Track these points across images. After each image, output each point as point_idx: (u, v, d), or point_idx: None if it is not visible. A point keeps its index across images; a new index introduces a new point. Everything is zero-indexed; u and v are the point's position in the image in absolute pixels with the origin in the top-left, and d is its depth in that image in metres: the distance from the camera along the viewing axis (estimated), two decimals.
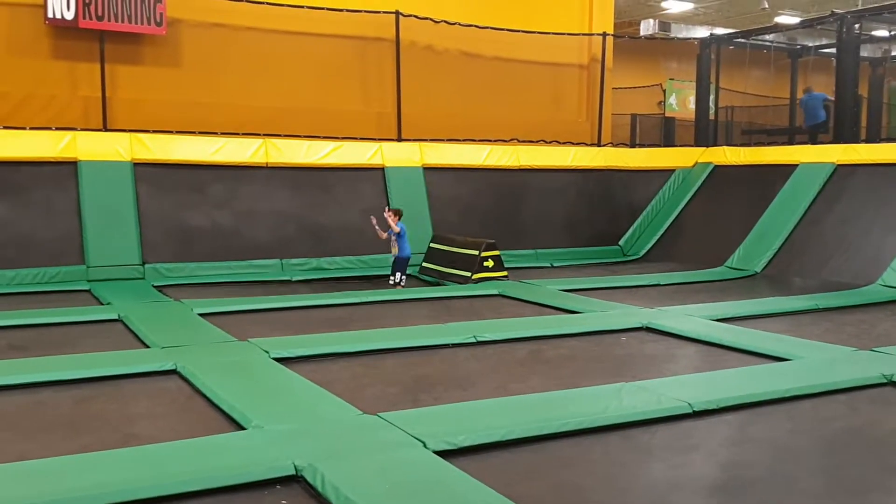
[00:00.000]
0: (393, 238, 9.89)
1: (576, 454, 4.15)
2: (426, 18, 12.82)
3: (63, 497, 3.35)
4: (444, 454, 3.91)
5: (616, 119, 16.48)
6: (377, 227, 9.96)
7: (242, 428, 4.37)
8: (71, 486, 3.44)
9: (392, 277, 9.86)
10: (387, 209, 10.12)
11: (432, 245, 11.05)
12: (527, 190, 12.98)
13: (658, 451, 4.23)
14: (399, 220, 9.92)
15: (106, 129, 10.65)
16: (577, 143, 14.03)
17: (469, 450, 4.04)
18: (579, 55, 14.65)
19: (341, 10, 12.13)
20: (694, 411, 4.71)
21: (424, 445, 3.97)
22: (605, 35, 14.58)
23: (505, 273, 10.17)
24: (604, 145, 14.44)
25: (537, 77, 14.09)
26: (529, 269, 11.43)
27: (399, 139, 12.59)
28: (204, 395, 5.01)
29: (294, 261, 10.93)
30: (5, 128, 9.97)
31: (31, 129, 10.09)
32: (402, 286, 9.72)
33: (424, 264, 10.94)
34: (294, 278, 10.32)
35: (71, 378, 5.30)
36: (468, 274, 9.96)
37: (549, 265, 12.03)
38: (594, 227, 13.28)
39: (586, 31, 14.62)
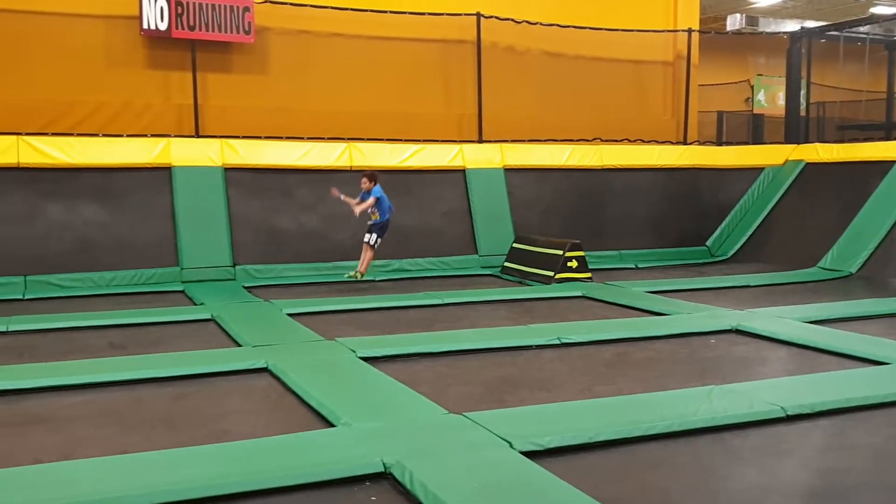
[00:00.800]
0: (372, 205, 9.41)
1: (664, 457, 4.08)
2: (508, 19, 12.81)
3: (161, 490, 3.48)
4: (530, 455, 3.91)
5: (702, 117, 16.11)
6: (343, 198, 9.46)
7: (332, 425, 4.46)
8: (168, 480, 3.58)
9: (368, 237, 9.59)
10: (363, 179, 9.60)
11: (515, 245, 11.05)
12: (610, 190, 12.82)
13: (750, 455, 4.12)
14: (375, 185, 9.45)
15: (198, 136, 11.03)
16: (662, 142, 13.79)
17: (555, 451, 4.02)
18: (664, 52, 14.39)
19: (423, 14, 12.24)
20: (787, 415, 4.57)
21: (511, 446, 3.98)
22: (690, 31, 14.29)
23: (589, 274, 10.07)
24: (690, 144, 14.13)
25: (621, 75, 13.90)
26: (613, 271, 11.28)
27: (480, 140, 12.61)
28: (294, 393, 5.14)
29: (376, 262, 11.05)
30: (104, 135, 10.44)
31: (128, 136, 10.53)
32: (374, 246, 9.59)
33: (506, 264, 10.94)
34: (377, 279, 10.47)
35: (168, 375, 5.51)
36: (551, 274, 9.90)
37: (633, 266, 11.85)
38: (680, 227, 13.02)
39: (671, 28, 14.35)
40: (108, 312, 7.89)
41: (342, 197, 9.55)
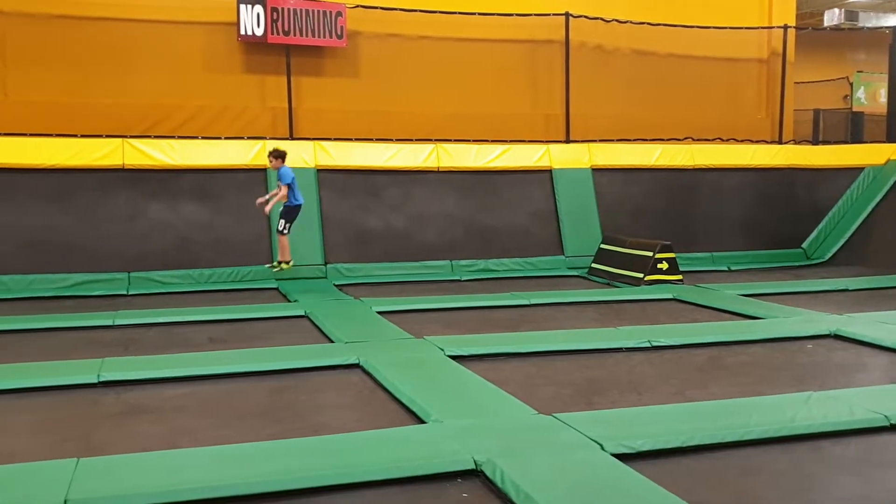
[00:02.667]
0: (286, 194, 9.03)
1: (760, 464, 3.99)
2: (596, 18, 12.70)
3: (260, 480, 3.61)
4: (622, 457, 3.89)
5: (798, 115, 15.57)
6: (263, 200, 9.20)
7: (422, 422, 4.53)
8: (266, 471, 3.71)
9: (280, 225, 9.22)
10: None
11: (603, 246, 10.94)
12: (702, 190, 12.54)
13: (850, 465, 3.99)
14: (282, 163, 9.05)
15: (292, 138, 11.34)
16: (757, 141, 13.41)
17: (647, 454, 3.99)
18: (758, 49, 13.98)
19: (511, 15, 12.26)
20: (892, 424, 4.41)
21: (602, 448, 3.97)
22: (786, 27, 13.84)
23: (679, 276, 9.89)
24: (785, 143, 13.70)
25: (713, 73, 13.58)
26: (705, 273, 11.04)
27: (567, 140, 12.54)
28: (385, 389, 5.25)
29: (463, 262, 11.16)
30: (204, 138, 10.85)
31: (226, 138, 10.92)
32: (284, 232, 9.21)
33: (594, 265, 10.85)
34: (463, 279, 10.54)
35: (265, 370, 5.70)
36: (640, 276, 9.77)
37: (725, 269, 11.57)
38: (775, 228, 12.63)
39: (766, 25, 13.93)
40: (208, 308, 8.21)
41: (261, 200, 9.23)
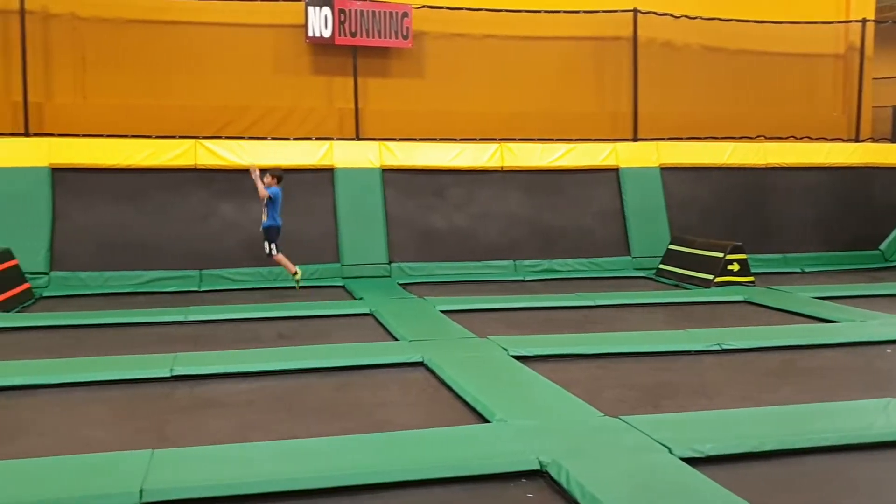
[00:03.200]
0: (263, 202, 9.12)
1: (836, 471, 3.87)
2: (665, 14, 12.49)
3: (327, 475, 3.66)
4: (690, 461, 3.81)
5: (876, 112, 15.03)
6: (255, 176, 9.13)
7: (486, 421, 4.53)
8: (334, 466, 3.75)
9: (266, 248, 9.27)
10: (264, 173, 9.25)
11: (671, 247, 10.76)
12: (774, 190, 12.22)
13: None
14: (278, 183, 9.17)
15: (358, 139, 11.46)
16: (832, 139, 12.99)
17: (717, 459, 3.90)
18: (834, 44, 13.55)
19: (578, 12, 12.14)
20: None
21: (670, 451, 3.89)
22: (864, 21, 13.37)
23: (751, 278, 9.66)
24: (862, 141, 13.24)
25: (787, 69, 13.21)
26: (777, 275, 10.75)
27: (634, 139, 12.36)
28: (449, 388, 5.26)
29: (526, 262, 11.11)
30: (273, 138, 11.05)
31: (295, 139, 11.10)
32: (273, 254, 9.26)
33: (662, 266, 10.67)
34: (527, 279, 10.49)
35: (332, 366, 5.77)
36: (710, 277, 9.57)
37: (799, 270, 11.25)
38: (851, 229, 12.22)
39: (843, 18, 13.48)
40: (276, 305, 8.37)
41: (255, 174, 9.17)
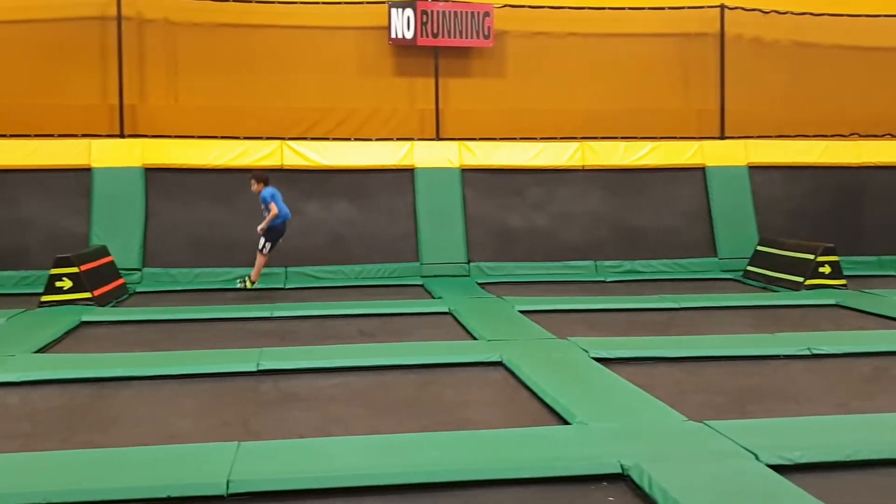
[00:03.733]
0: (274, 216, 8.76)
1: None
2: (754, 10, 12.13)
3: (409, 471, 3.69)
4: (778, 469, 3.69)
5: None
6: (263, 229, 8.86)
7: (566, 423, 4.49)
8: (415, 462, 3.78)
9: (262, 242, 8.93)
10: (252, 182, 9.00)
11: (759, 248, 10.46)
12: (869, 190, 11.75)
13: None
14: (264, 186, 8.86)
15: (438, 139, 11.53)
16: None
17: (807, 467, 3.76)
18: None
19: (663, 9, 11.91)
20: None
21: (756, 458, 3.78)
22: None
23: (843, 281, 9.29)
24: None
25: (882, 64, 12.65)
26: (871, 278, 10.31)
27: (721, 137, 12.05)
28: (528, 388, 5.23)
29: (608, 263, 10.98)
30: (356, 139, 11.23)
31: (377, 140, 11.25)
32: (265, 253, 8.92)
33: (749, 268, 10.38)
34: (608, 280, 10.36)
35: (412, 363, 5.82)
36: (800, 280, 9.25)
37: (894, 273, 10.76)
38: None
39: None
40: (358, 302, 8.49)
41: (261, 227, 8.89)
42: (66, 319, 7.43)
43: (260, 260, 9.08)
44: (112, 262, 9.32)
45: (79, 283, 8.17)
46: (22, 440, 4.31)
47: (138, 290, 9.58)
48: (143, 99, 11.15)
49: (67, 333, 7.05)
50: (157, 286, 9.78)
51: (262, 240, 8.98)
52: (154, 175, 10.57)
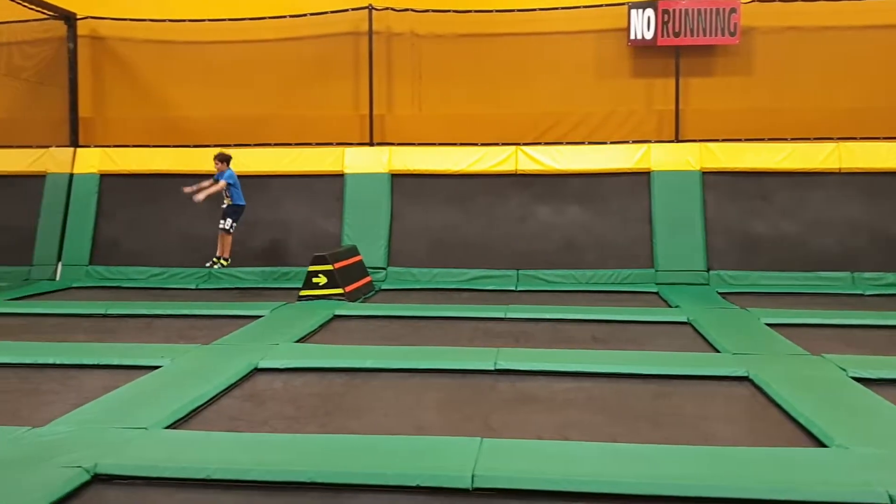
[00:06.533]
0: (225, 189, 9.57)
1: None
2: None
3: (650, 482, 3.60)
4: None
5: None
6: (190, 189, 9.55)
7: (823, 445, 4.18)
8: (658, 474, 3.68)
9: (223, 223, 9.70)
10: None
11: None
12: None
13: None
14: (227, 166, 9.58)
15: (677, 141, 11.16)
16: None
17: None
18: None
19: None
20: None
21: None
22: None
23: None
24: None
25: None
26: None
27: None
28: (778, 406, 4.93)
29: (867, 275, 10.06)
30: (590, 143, 11.18)
31: (612, 143, 11.12)
32: (230, 231, 9.68)
33: None
34: (867, 293, 9.49)
35: (649, 373, 5.69)
36: None
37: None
38: None
39: None
40: (590, 308, 8.44)
41: (188, 189, 9.61)
42: (321, 313, 8.08)
43: (227, 238, 9.88)
44: (361, 261, 10.00)
45: (333, 280, 8.85)
46: (288, 422, 4.75)
47: (383, 287, 10.19)
48: (391, 109, 11.84)
49: (322, 326, 7.66)
50: (400, 284, 10.35)
51: (228, 220, 9.78)
52: (399, 180, 11.21)
